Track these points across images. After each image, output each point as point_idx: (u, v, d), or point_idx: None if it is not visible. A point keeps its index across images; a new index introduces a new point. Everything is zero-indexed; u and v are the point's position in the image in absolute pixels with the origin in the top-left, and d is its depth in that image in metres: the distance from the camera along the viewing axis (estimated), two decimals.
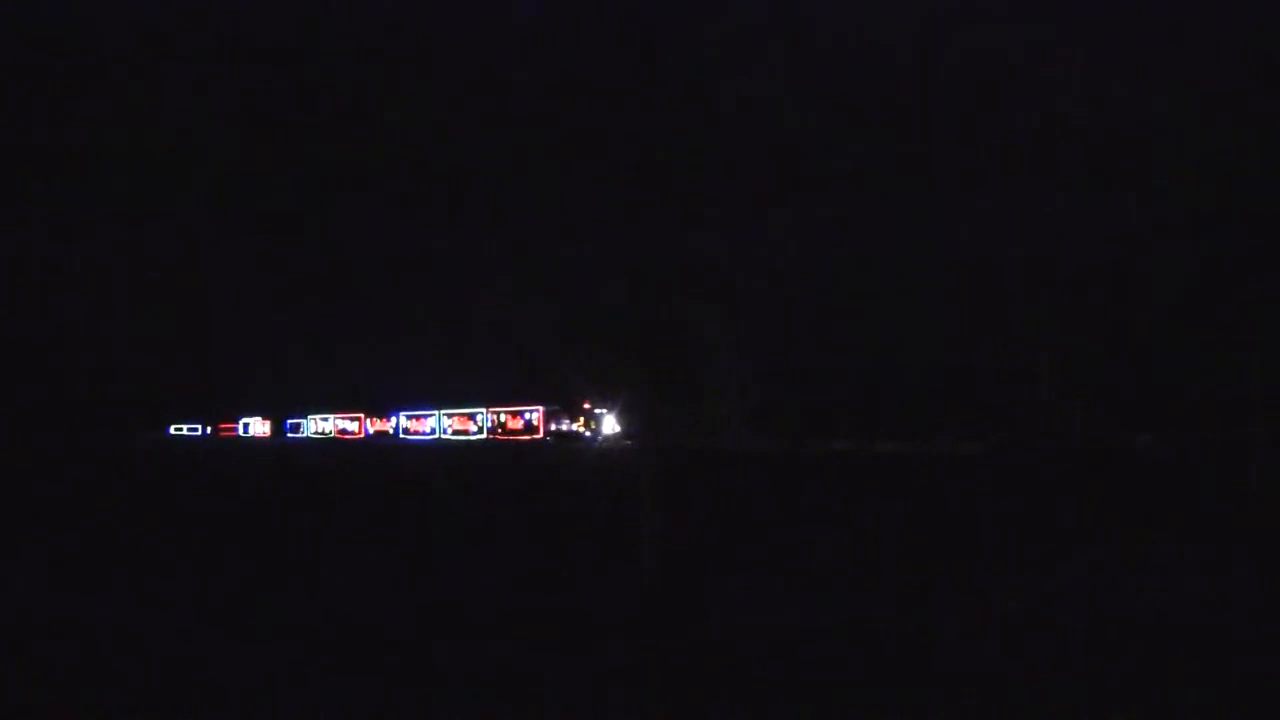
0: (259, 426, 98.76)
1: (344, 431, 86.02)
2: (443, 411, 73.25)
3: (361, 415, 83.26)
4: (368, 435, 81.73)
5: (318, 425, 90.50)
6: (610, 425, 56.66)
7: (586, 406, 58.01)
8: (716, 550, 12.79)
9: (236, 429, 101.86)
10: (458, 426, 70.14)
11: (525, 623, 9.04)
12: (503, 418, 65.42)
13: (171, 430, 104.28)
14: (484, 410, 68.83)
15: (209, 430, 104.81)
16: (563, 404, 59.94)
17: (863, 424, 42.34)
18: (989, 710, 6.39)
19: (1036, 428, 35.04)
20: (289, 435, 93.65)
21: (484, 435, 68.02)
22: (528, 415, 64.91)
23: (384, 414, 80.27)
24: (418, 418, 76.04)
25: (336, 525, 17.85)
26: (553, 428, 59.84)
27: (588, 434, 57.35)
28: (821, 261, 53.13)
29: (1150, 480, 19.20)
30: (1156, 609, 8.95)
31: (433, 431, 74.04)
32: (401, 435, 77.24)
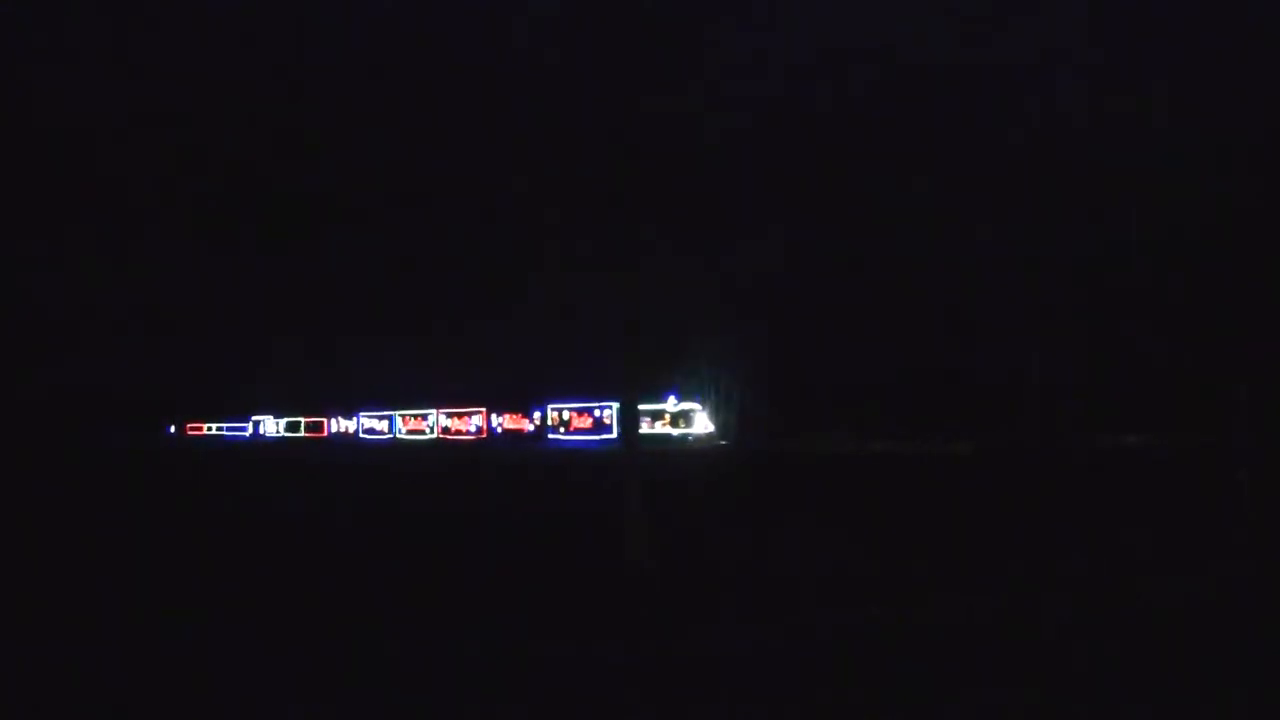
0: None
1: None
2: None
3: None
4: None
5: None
6: (703, 424, 50.86)
7: (672, 402, 51.60)
8: (710, 550, 12.81)
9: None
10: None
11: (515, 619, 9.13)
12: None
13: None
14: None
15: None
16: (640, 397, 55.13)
17: (858, 424, 42.84)
18: (985, 709, 6.41)
19: (1030, 428, 36.00)
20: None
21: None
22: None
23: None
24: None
25: (326, 523, 17.93)
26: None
27: (675, 433, 50.88)
28: (816, 264, 53.17)
29: (1143, 481, 19.95)
30: (1151, 606, 9.12)
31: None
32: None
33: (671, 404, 52.41)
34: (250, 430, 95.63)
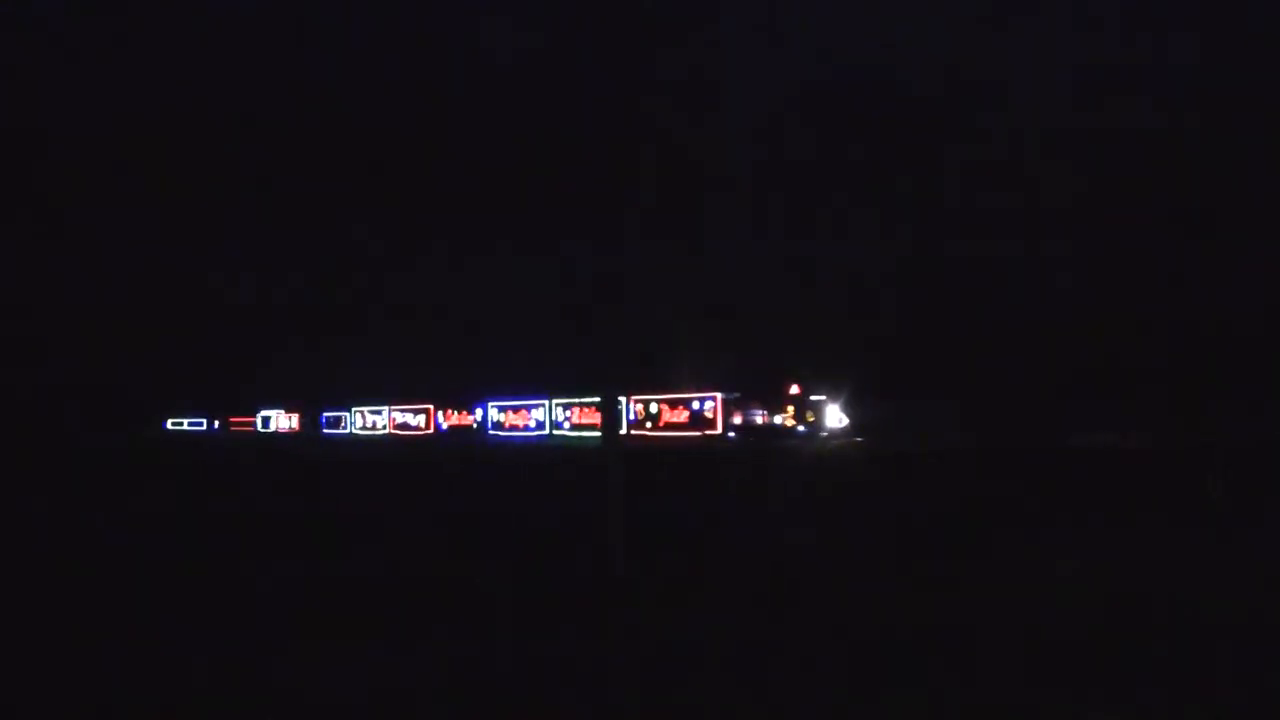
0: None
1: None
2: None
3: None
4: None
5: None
6: (835, 417, 44.17)
7: (796, 393, 45.00)
8: (699, 545, 13.00)
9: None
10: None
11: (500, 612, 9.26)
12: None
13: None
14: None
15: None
16: (750, 389, 47.68)
17: (853, 421, 42.76)
18: (981, 705, 6.47)
19: (1021, 426, 35.14)
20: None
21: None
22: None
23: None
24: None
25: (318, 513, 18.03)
26: (736, 420, 47.97)
27: (801, 429, 44.47)
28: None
29: (1123, 478, 20.58)
30: (1138, 596, 9.38)
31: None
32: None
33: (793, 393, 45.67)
34: (259, 424, 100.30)
